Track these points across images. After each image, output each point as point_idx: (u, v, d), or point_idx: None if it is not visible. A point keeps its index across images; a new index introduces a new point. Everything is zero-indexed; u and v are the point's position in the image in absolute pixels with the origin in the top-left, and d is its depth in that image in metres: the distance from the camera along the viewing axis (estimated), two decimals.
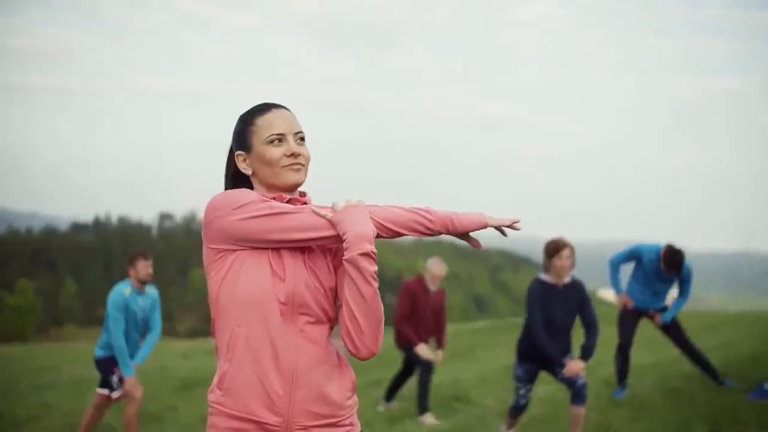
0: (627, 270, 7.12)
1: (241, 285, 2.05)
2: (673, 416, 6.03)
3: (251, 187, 2.21)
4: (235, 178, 2.24)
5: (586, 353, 5.31)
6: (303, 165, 2.16)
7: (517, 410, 5.70)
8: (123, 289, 6.15)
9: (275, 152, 2.12)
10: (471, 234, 2.19)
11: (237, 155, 2.21)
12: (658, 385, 7.25)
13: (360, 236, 2.00)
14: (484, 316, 54.26)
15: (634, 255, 7.00)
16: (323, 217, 2.06)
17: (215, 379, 2.11)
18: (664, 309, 7.00)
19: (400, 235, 2.13)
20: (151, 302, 6.37)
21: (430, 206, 2.17)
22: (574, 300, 5.37)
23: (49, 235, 77.49)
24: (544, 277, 5.41)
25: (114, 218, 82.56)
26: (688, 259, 6.78)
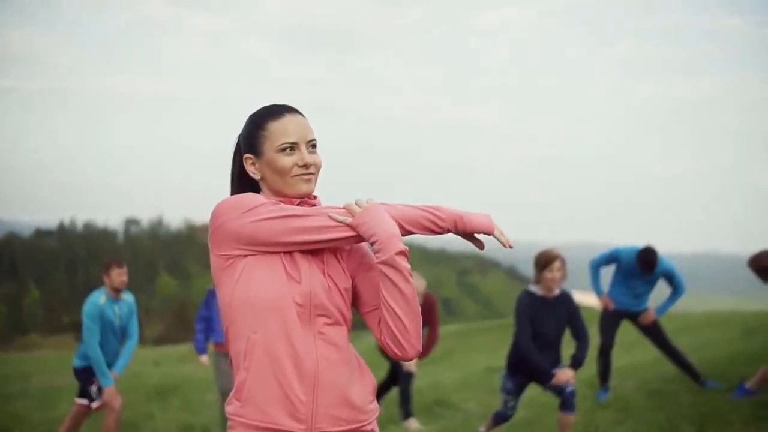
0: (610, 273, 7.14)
1: (255, 290, 1.98)
2: (658, 417, 6.03)
3: (258, 191, 2.14)
4: (242, 181, 2.17)
5: (576, 363, 5.27)
6: (314, 174, 2.10)
7: (502, 419, 5.65)
8: (97, 298, 6.02)
9: (287, 161, 2.06)
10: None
11: (246, 158, 2.13)
12: (639, 386, 7.26)
13: (391, 236, 1.97)
14: (452, 320, 54.38)
15: (613, 257, 7.04)
16: (340, 220, 2.00)
17: (233, 391, 2.03)
18: (645, 311, 7.02)
19: (410, 233, 2.09)
20: (128, 309, 6.26)
21: (439, 204, 2.13)
22: (564, 312, 5.33)
23: (12, 241, 76.12)
24: (533, 289, 5.35)
25: (79, 224, 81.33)
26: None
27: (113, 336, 6.14)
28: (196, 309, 7.18)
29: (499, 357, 12.32)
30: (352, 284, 2.11)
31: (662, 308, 7.00)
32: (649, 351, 9.23)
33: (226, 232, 1.99)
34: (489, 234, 2.13)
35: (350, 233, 2.00)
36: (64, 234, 79.64)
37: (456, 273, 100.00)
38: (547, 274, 5.23)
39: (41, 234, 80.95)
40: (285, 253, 2.01)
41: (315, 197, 2.15)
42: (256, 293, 1.97)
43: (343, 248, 2.11)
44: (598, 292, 7.11)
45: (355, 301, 2.13)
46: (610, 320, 7.06)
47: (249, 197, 2.02)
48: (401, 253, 1.97)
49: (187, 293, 61.54)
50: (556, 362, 5.34)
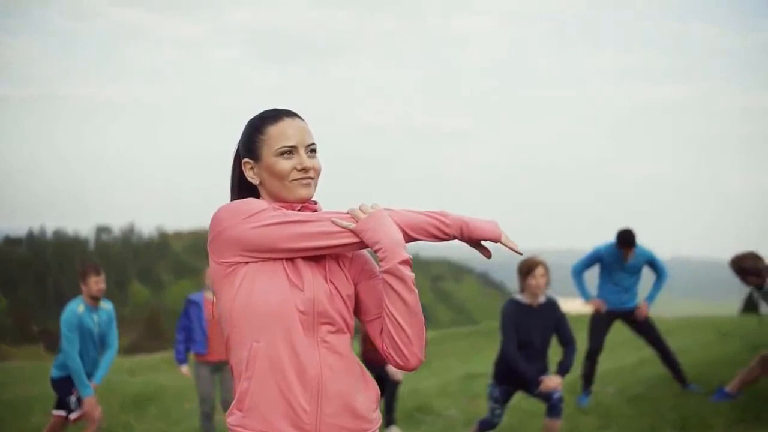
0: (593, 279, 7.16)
1: (257, 297, 1.94)
2: (641, 422, 6.06)
3: (258, 197, 2.11)
4: (242, 186, 2.13)
5: (563, 369, 5.27)
6: (313, 179, 2.07)
7: (488, 426, 5.63)
8: (75, 307, 5.92)
9: (286, 165, 2.03)
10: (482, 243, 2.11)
11: (244, 163, 2.10)
12: (620, 391, 7.29)
13: (395, 244, 1.94)
14: (426, 326, 54.41)
15: (593, 258, 7.07)
16: (344, 225, 1.97)
17: (234, 401, 1.99)
18: (638, 307, 7.03)
19: (415, 240, 2.05)
20: (107, 318, 6.16)
21: (444, 210, 2.09)
22: (550, 319, 5.32)
23: None
24: (519, 297, 5.34)
25: (49, 231, 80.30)
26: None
27: (92, 345, 6.04)
28: (169, 317, 7.11)
29: (476, 363, 12.34)
30: (354, 292, 2.08)
31: (651, 296, 7.04)
32: (628, 356, 9.31)
33: (227, 239, 1.96)
34: (496, 241, 2.10)
35: (354, 240, 1.97)
36: (33, 242, 78.59)
37: (429, 279, 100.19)
38: (531, 281, 5.22)
39: (10, 242, 79.74)
40: (287, 260, 1.97)
41: (315, 203, 2.12)
42: (258, 301, 1.94)
43: (345, 255, 2.08)
44: (587, 296, 7.13)
45: (357, 309, 2.10)
46: (601, 323, 7.08)
47: (250, 203, 1.99)
48: (405, 262, 1.94)
49: (160, 302, 61.04)
50: (544, 370, 5.33)
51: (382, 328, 2.02)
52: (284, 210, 2.00)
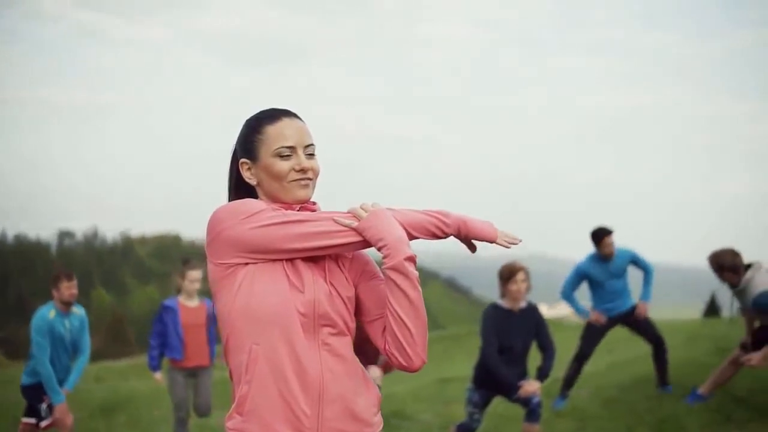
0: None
1: (256, 299, 1.91)
2: (617, 425, 6.11)
3: (256, 197, 2.08)
4: (239, 187, 2.10)
5: (543, 374, 5.29)
6: (311, 180, 2.04)
7: (466, 430, 5.63)
8: (47, 313, 5.82)
9: (284, 166, 2.00)
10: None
11: (242, 163, 2.07)
12: (594, 394, 7.34)
13: (400, 240, 1.92)
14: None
15: (578, 276, 7.07)
16: (346, 224, 1.95)
17: (233, 405, 1.95)
18: (634, 308, 7.05)
19: (416, 238, 2.04)
20: (79, 323, 6.06)
21: (444, 209, 2.08)
22: (530, 324, 5.33)
23: None
24: (500, 302, 5.35)
25: (9, 236, 78.92)
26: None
27: (64, 351, 5.93)
28: (133, 323, 6.98)
29: (448, 368, 12.37)
30: (355, 293, 2.06)
31: (646, 294, 7.06)
32: (600, 359, 9.37)
33: (225, 240, 1.92)
34: (491, 242, 2.10)
35: (356, 238, 1.95)
36: None
37: None
38: (512, 286, 5.24)
39: None
40: (287, 261, 1.95)
41: (314, 203, 2.10)
42: (258, 303, 1.90)
43: (344, 256, 2.06)
44: (584, 313, 7.15)
45: (358, 310, 2.07)
46: (597, 330, 7.10)
47: (248, 203, 1.96)
48: (410, 258, 1.93)
49: (124, 307, 60.27)
50: (523, 375, 5.34)
51: (384, 329, 2.00)
52: (284, 210, 1.97)
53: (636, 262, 7.04)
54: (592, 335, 7.12)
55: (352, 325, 2.03)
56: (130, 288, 72.03)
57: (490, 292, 5.46)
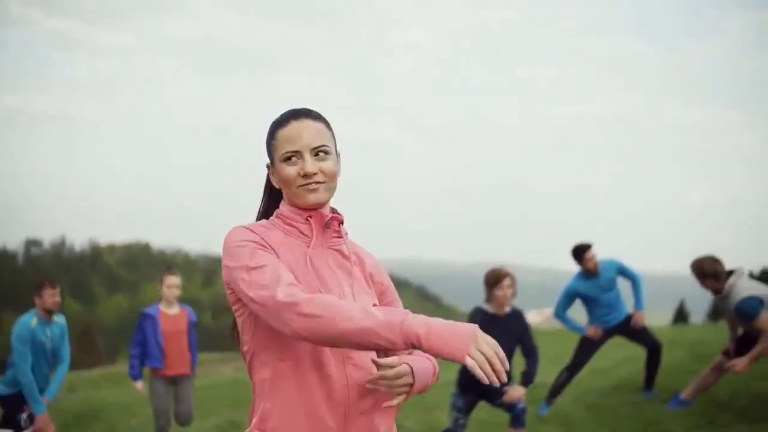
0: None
1: None
2: (600, 429, 6.14)
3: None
4: (271, 191, 2.09)
5: (527, 380, 5.31)
6: (321, 182, 1.95)
7: None
8: (29, 320, 5.73)
9: (290, 171, 1.94)
10: None
11: (267, 167, 2.05)
12: (576, 400, 7.38)
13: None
14: None
15: (569, 296, 7.09)
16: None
17: (255, 421, 1.91)
18: (629, 318, 7.08)
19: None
20: (60, 332, 5.98)
21: (407, 312, 1.80)
22: (514, 329, 5.35)
23: None
24: (485, 306, 5.37)
25: None
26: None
27: (44, 360, 5.85)
28: (102, 332, 6.88)
29: None
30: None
31: (638, 303, 7.08)
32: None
33: (226, 278, 1.92)
34: (459, 362, 1.73)
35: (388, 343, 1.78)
36: None
37: None
38: (498, 292, 5.25)
39: None
40: (315, 274, 1.91)
41: (335, 211, 2.05)
42: None
43: (368, 269, 2.05)
44: (581, 329, 7.17)
45: None
46: (593, 342, 7.12)
47: (234, 236, 1.91)
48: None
49: (93, 316, 59.50)
50: (507, 380, 5.34)
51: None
52: (251, 247, 1.88)
53: (623, 272, 7.08)
54: (587, 347, 7.16)
55: None
56: (99, 297, 71.17)
57: (460, 300, 5.44)
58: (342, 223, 2.05)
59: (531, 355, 5.37)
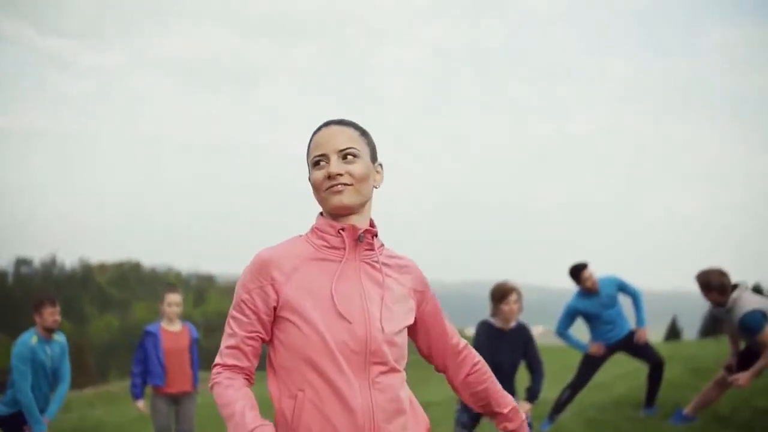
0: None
1: (300, 339, 1.85)
2: None
3: None
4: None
5: (533, 395, 5.31)
6: (347, 184, 1.91)
7: None
8: (28, 339, 5.70)
9: (318, 175, 1.94)
10: None
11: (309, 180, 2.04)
12: (577, 416, 7.36)
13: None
14: None
15: (570, 314, 7.09)
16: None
17: None
18: (632, 334, 7.07)
19: None
20: (60, 350, 5.95)
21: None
22: (519, 343, 5.36)
23: None
24: (492, 320, 5.38)
25: None
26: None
27: (44, 379, 5.81)
28: (93, 352, 6.79)
29: (425, 393, 12.27)
30: (415, 328, 2.05)
31: (641, 319, 7.07)
32: None
33: None
34: None
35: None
36: None
37: None
38: (504, 307, 5.26)
39: None
40: (336, 289, 1.88)
41: (372, 223, 2.03)
42: (301, 343, 1.85)
43: (407, 278, 2.03)
44: (583, 347, 7.18)
45: (415, 341, 2.10)
46: (596, 359, 7.12)
47: (240, 277, 1.96)
48: None
49: (84, 336, 59.09)
50: (512, 394, 5.35)
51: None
52: (241, 298, 1.93)
53: (623, 288, 7.07)
54: (590, 365, 7.15)
55: (405, 355, 1.97)
56: (90, 316, 70.68)
57: (458, 319, 5.44)
58: (376, 235, 2.01)
59: (536, 371, 5.37)
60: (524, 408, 5.20)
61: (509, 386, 5.36)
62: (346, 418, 1.82)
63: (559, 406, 7.12)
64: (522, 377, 5.44)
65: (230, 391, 1.83)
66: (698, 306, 7.55)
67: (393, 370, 1.92)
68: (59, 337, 5.97)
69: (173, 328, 6.56)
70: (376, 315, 1.90)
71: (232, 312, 1.92)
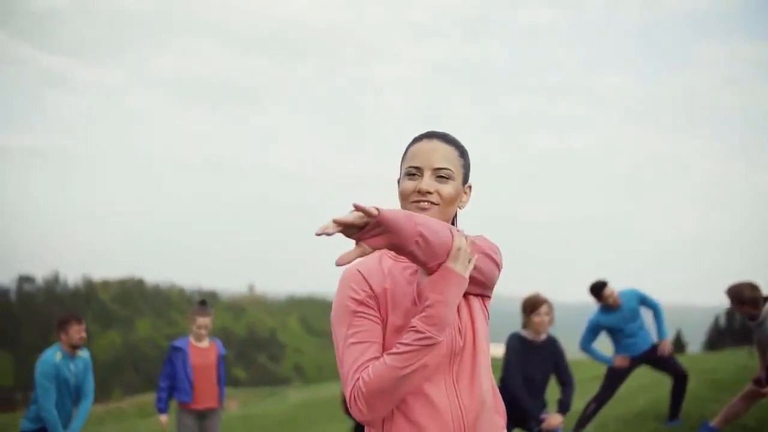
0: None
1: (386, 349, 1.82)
2: None
3: None
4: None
5: (564, 408, 5.31)
6: (434, 204, 1.90)
7: None
8: (53, 356, 5.70)
9: (407, 186, 1.93)
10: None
11: (397, 182, 2.03)
12: (599, 428, 7.33)
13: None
14: None
15: (593, 329, 7.11)
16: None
17: None
18: (655, 346, 7.06)
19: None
20: (84, 367, 5.95)
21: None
22: (550, 356, 5.36)
23: None
24: (523, 333, 5.37)
25: None
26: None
27: (68, 395, 5.80)
28: (96, 369, 6.68)
29: None
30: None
31: (662, 331, 7.09)
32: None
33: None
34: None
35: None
36: None
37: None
38: (536, 318, 5.26)
39: None
40: (418, 294, 1.83)
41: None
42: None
43: (484, 277, 1.95)
44: (608, 360, 7.18)
45: None
46: (619, 372, 7.12)
47: (337, 293, 1.90)
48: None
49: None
50: (543, 406, 5.34)
51: None
52: (349, 310, 1.86)
53: (644, 301, 7.09)
54: (615, 378, 7.15)
55: (488, 350, 1.95)
56: (93, 334, 70.62)
57: None
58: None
59: (567, 383, 5.36)
60: (557, 420, 5.18)
61: (541, 399, 5.34)
62: (437, 421, 1.80)
63: (584, 420, 7.09)
64: (551, 389, 5.41)
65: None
66: (700, 320, 7.51)
67: (476, 365, 1.89)
68: (83, 353, 5.96)
69: (202, 344, 6.52)
70: (465, 312, 1.89)
71: (347, 336, 1.83)
